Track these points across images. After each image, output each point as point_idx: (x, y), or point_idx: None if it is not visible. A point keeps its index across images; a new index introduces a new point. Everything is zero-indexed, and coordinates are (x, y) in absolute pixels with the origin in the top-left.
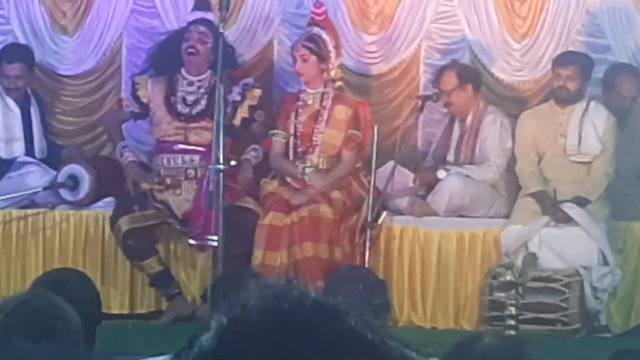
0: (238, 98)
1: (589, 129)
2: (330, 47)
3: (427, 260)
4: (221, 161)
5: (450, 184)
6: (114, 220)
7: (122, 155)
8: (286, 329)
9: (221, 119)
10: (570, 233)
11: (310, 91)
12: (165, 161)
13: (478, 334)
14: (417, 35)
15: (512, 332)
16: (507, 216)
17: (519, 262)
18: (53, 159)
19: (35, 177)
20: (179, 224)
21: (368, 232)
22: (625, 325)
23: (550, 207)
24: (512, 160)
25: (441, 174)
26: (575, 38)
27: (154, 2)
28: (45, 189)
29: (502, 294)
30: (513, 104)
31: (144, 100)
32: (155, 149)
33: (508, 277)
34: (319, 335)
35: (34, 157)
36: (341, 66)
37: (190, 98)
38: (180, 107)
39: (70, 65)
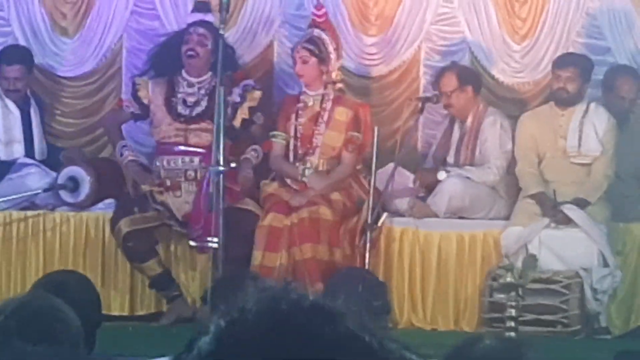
0: (238, 99)
1: (589, 130)
2: (331, 48)
3: (427, 262)
4: (221, 163)
5: (450, 186)
6: (114, 222)
7: (121, 155)
8: (284, 332)
9: (221, 120)
10: (570, 235)
11: (311, 93)
12: (165, 163)
13: (478, 335)
14: (417, 37)
15: (512, 334)
16: (507, 218)
17: (519, 264)
18: (53, 161)
19: (36, 179)
20: (179, 226)
21: (368, 233)
22: (625, 326)
23: (550, 208)
24: (512, 162)
25: (441, 175)
26: (575, 40)
27: (154, 3)
28: (45, 190)
29: (502, 296)
30: (513, 105)
31: (145, 101)
32: (155, 150)
33: (508, 279)
34: (316, 337)
35: (33, 158)
36: (341, 68)
37: (190, 99)
38: (180, 109)
39: (70, 66)
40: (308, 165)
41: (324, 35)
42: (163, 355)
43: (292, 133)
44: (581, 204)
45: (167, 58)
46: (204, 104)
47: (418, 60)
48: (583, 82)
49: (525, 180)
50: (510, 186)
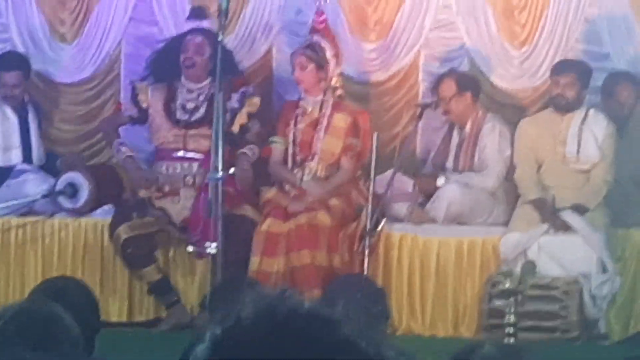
0: (237, 105)
1: (588, 136)
2: (330, 55)
3: (426, 268)
4: (220, 169)
5: (449, 192)
6: (113, 227)
7: (118, 151)
8: (280, 339)
9: (220, 126)
10: (569, 240)
11: (310, 99)
12: (164, 168)
13: (477, 342)
14: (416, 43)
15: (511, 340)
16: (506, 224)
17: (518, 270)
18: (51, 167)
19: (34, 185)
20: (177, 231)
21: (367, 239)
22: (624, 332)
23: (549, 214)
24: (511, 168)
25: (440, 181)
26: (574, 46)
27: (152, 10)
28: (44, 196)
29: (501, 302)
30: (512, 111)
31: (144, 105)
32: (154, 156)
33: (507, 285)
34: (313, 344)
35: (31, 165)
36: (341, 74)
37: (189, 105)
38: (179, 114)
39: (69, 73)
40: (307, 171)
41: (323, 42)
42: None
43: (291, 139)
44: (580, 209)
45: (165, 63)
46: (203, 109)
47: (417, 66)
48: (582, 88)
49: (524, 186)
50: (509, 192)
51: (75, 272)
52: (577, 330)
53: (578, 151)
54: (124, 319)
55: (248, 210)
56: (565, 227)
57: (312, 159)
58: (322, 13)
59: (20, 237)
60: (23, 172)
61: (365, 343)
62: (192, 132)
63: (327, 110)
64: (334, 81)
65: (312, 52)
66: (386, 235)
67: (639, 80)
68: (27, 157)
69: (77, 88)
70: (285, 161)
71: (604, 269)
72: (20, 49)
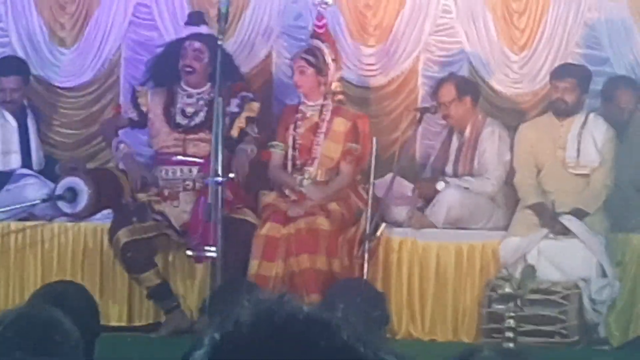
0: (236, 109)
1: (588, 141)
2: (329, 59)
3: (425, 272)
4: (219, 173)
5: (449, 196)
6: (112, 232)
7: (117, 149)
8: (279, 344)
9: (219, 131)
10: (569, 245)
11: (310, 103)
12: (163, 173)
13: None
14: (415, 47)
15: (511, 345)
16: (505, 228)
17: (517, 274)
18: (50, 172)
19: (34, 190)
20: (177, 236)
21: (367, 244)
22: (624, 337)
23: (549, 219)
24: (510, 172)
25: (440, 186)
26: (573, 50)
27: (152, 14)
28: (43, 201)
29: (500, 306)
30: (511, 116)
31: (143, 108)
32: (153, 160)
33: (507, 289)
34: (311, 349)
35: (31, 169)
36: (341, 79)
37: (189, 110)
38: (179, 119)
39: (68, 77)
40: (306, 175)
41: (322, 46)
42: None
43: (290, 143)
44: (580, 214)
45: (165, 68)
46: (202, 114)
47: (416, 70)
48: (581, 92)
49: (523, 190)
50: (509, 196)
51: (74, 276)
52: (577, 335)
53: (578, 156)
54: (124, 323)
55: (247, 214)
56: (565, 232)
57: (312, 163)
58: (322, 17)
59: (19, 241)
60: (23, 176)
61: (364, 347)
62: (191, 136)
63: (327, 115)
64: (334, 86)
65: (312, 57)
66: (386, 240)
67: (638, 84)
68: (26, 162)
69: (77, 92)
70: (284, 165)
71: (604, 274)
72: (20, 53)
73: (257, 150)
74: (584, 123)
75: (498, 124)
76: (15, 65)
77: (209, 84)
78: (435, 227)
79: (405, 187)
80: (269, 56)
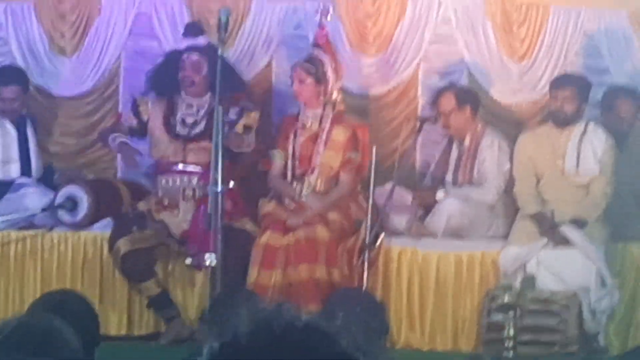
0: (234, 117)
1: (588, 150)
2: (329, 69)
3: (425, 281)
4: (219, 182)
5: (449, 206)
6: (112, 241)
7: (113, 140)
8: (278, 353)
9: (220, 140)
10: (568, 254)
11: (309, 113)
12: (163, 182)
13: (476, 356)
14: (415, 57)
15: (510, 354)
16: (505, 238)
17: (517, 284)
18: (50, 181)
19: (34, 199)
20: (177, 244)
21: (366, 253)
22: (624, 346)
23: (549, 228)
24: (510, 182)
25: (440, 195)
26: (573, 60)
27: (152, 23)
28: (43, 210)
29: (500, 316)
30: (511, 125)
31: (144, 116)
32: (153, 169)
33: (506, 299)
34: (310, 358)
35: (31, 178)
36: (341, 89)
37: (189, 120)
38: (179, 129)
39: (68, 86)
40: (306, 184)
41: (323, 56)
42: None
43: (290, 152)
44: (579, 223)
45: (165, 78)
46: (202, 124)
47: (416, 80)
48: (581, 102)
49: (523, 200)
50: (509, 206)
51: (74, 285)
52: (576, 345)
53: (577, 165)
54: (124, 332)
55: (247, 224)
56: (565, 241)
57: (312, 172)
58: (324, 27)
59: (19, 250)
60: (23, 185)
61: (363, 356)
62: (191, 145)
63: (327, 124)
64: (335, 96)
65: (312, 66)
66: (385, 249)
67: (638, 94)
68: (25, 171)
69: (77, 101)
70: (284, 175)
71: (603, 283)
72: (20, 62)
73: (254, 141)
74: (584, 133)
75: (498, 134)
76: (14, 75)
77: (209, 94)
78: (435, 236)
79: (405, 196)
80: (268, 65)
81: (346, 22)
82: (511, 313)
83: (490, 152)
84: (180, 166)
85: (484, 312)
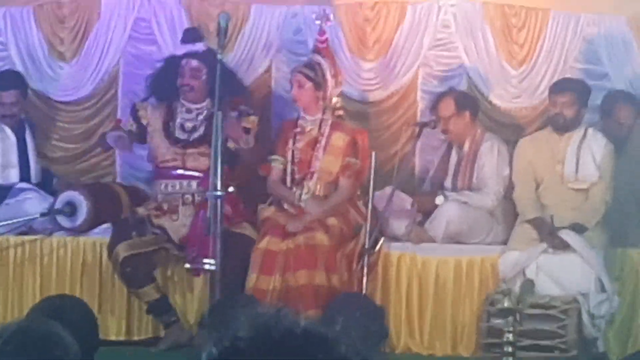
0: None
1: (587, 155)
2: (328, 74)
3: (424, 286)
4: (219, 187)
5: (448, 211)
6: (111, 246)
7: (110, 137)
8: (276, 358)
9: (219, 145)
10: (568, 260)
11: (309, 118)
12: (163, 187)
13: None
14: (414, 62)
15: (510, 359)
16: (504, 243)
17: (516, 289)
18: (49, 186)
19: (33, 204)
20: (176, 249)
21: (366, 258)
22: (623, 351)
23: (548, 233)
24: (509, 187)
25: (439, 200)
26: (572, 65)
27: (151, 28)
28: (42, 215)
29: (499, 321)
30: (510, 130)
31: (144, 121)
32: (153, 174)
33: (505, 304)
34: None
35: (30, 183)
36: (341, 94)
37: (188, 125)
38: (178, 134)
39: (67, 91)
40: (305, 190)
41: (322, 61)
42: None
43: (290, 158)
44: (579, 229)
45: (164, 83)
46: (202, 129)
47: (415, 85)
48: (580, 107)
49: (522, 205)
50: (508, 211)
51: (73, 290)
52: (576, 350)
53: (577, 170)
54: (123, 337)
55: (246, 229)
56: (564, 246)
57: (311, 177)
58: (324, 33)
59: (18, 255)
60: (22, 190)
61: None
62: (190, 150)
63: (326, 129)
64: (334, 101)
65: (311, 71)
66: (385, 254)
67: (637, 99)
68: (24, 176)
69: (76, 106)
70: (284, 180)
71: (603, 288)
72: (19, 67)
73: (253, 141)
74: (583, 138)
75: (497, 139)
76: (13, 79)
77: (208, 99)
78: (434, 241)
79: (404, 201)
80: (268, 70)
81: (345, 27)
82: (510, 318)
83: (490, 157)
84: (180, 171)
85: (483, 317)
